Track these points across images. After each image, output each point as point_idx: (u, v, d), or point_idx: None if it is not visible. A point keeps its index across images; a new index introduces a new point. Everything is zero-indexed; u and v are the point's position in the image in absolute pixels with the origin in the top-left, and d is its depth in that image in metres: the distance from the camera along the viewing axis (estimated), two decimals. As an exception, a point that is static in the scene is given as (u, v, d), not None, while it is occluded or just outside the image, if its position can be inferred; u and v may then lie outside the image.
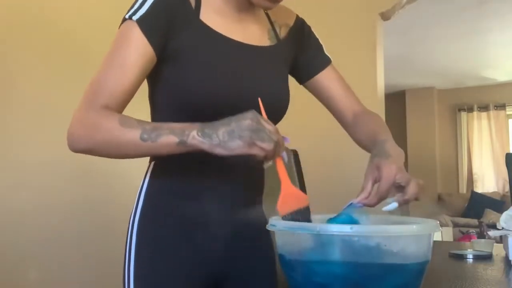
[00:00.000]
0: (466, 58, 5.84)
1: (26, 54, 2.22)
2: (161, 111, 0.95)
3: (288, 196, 0.81)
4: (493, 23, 4.60)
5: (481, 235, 4.15)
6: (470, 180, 7.20)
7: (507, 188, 6.30)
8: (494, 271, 1.28)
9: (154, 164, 0.99)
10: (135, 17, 0.87)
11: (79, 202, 2.35)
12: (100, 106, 0.83)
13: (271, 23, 1.05)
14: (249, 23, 1.00)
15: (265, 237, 1.03)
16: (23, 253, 2.12)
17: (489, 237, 1.85)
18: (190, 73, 0.90)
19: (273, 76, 1.01)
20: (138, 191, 0.99)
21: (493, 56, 5.75)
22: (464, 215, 6.43)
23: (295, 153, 1.69)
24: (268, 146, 0.75)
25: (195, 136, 0.77)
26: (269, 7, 0.95)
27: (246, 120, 0.76)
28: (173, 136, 0.78)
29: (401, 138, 7.29)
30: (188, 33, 0.91)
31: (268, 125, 0.76)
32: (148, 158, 1.02)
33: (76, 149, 0.85)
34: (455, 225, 6.18)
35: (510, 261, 1.35)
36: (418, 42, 5.22)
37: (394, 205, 0.83)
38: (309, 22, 1.13)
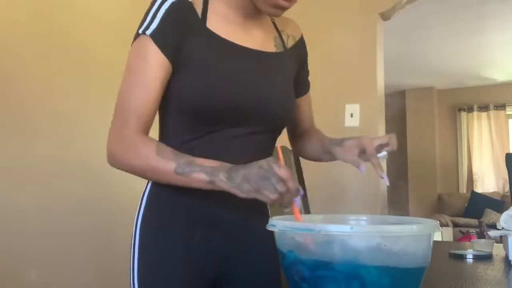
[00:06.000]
0: (466, 58, 5.84)
1: (27, 53, 2.22)
2: (171, 114, 0.96)
3: None
4: (493, 23, 4.60)
5: (481, 235, 4.14)
6: (470, 180, 7.19)
7: (507, 188, 6.30)
8: (494, 271, 1.27)
9: None
10: (148, 32, 0.90)
11: (80, 202, 2.35)
12: (135, 126, 0.89)
13: (279, 31, 1.08)
14: (254, 29, 1.01)
15: (269, 239, 1.03)
16: (24, 253, 2.12)
17: (489, 237, 1.84)
18: (198, 79, 0.91)
19: (278, 81, 1.02)
20: (143, 192, 1.00)
21: (493, 56, 5.75)
22: (464, 215, 6.43)
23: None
24: (272, 195, 0.77)
25: (222, 178, 0.82)
26: (276, 14, 0.97)
27: (258, 167, 0.79)
28: (204, 175, 0.84)
29: (401, 138, 7.29)
30: (196, 42, 0.92)
31: (281, 173, 0.77)
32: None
33: (115, 167, 0.91)
34: (455, 225, 6.18)
35: (510, 261, 1.35)
36: (418, 42, 5.22)
37: (384, 153, 0.99)
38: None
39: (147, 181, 1.00)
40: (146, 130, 0.91)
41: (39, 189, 2.21)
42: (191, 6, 0.93)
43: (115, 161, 0.90)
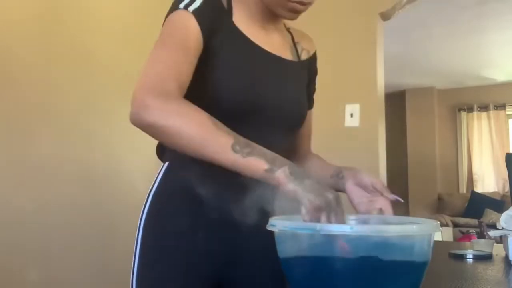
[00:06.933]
0: (466, 58, 5.84)
1: (28, 54, 2.22)
2: None
3: None
4: (493, 23, 4.60)
5: (481, 235, 4.14)
6: (470, 180, 7.19)
7: (507, 188, 6.29)
8: (494, 271, 1.27)
9: (168, 164, 1.00)
10: (190, 8, 0.88)
11: (81, 202, 2.34)
12: (177, 85, 0.81)
13: (294, 42, 1.09)
14: (273, 34, 1.03)
15: (272, 242, 1.03)
16: (24, 253, 2.12)
17: (489, 237, 1.84)
18: (222, 75, 0.91)
19: (296, 88, 1.04)
20: (148, 192, 1.00)
21: (493, 56, 5.75)
22: (464, 215, 6.43)
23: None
24: (306, 216, 0.72)
25: (286, 170, 0.74)
26: (292, 17, 0.98)
27: (333, 193, 0.73)
28: (264, 161, 0.75)
29: (401, 138, 7.29)
30: (224, 35, 0.93)
31: (340, 210, 0.73)
32: (156, 156, 1.03)
33: (144, 123, 0.78)
34: (455, 225, 6.18)
35: (510, 261, 1.34)
36: (418, 42, 5.22)
37: None
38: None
39: (155, 177, 1.00)
40: (182, 97, 0.83)
41: (39, 189, 2.21)
42: (220, 0, 0.95)
43: (153, 115, 0.76)
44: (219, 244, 0.96)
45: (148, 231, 0.96)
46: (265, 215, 1.05)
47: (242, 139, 0.77)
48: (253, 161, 0.75)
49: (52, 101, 2.30)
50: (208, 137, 0.76)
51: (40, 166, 2.22)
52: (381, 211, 0.94)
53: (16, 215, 2.10)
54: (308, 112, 1.15)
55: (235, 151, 0.75)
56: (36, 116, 2.24)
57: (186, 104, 0.79)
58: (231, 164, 0.77)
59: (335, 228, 0.70)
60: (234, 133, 0.78)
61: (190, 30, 0.87)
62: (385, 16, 2.66)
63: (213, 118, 0.78)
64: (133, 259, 0.96)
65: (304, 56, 1.10)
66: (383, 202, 0.95)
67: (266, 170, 0.74)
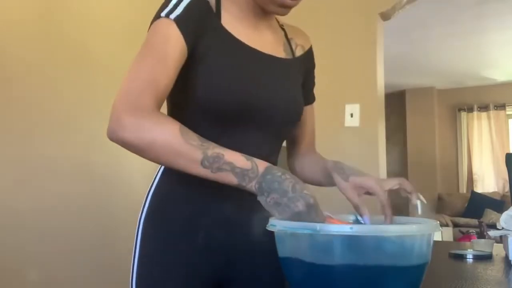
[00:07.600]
0: (466, 58, 5.84)
1: (27, 54, 2.22)
2: (179, 110, 0.95)
3: None
4: (493, 23, 4.60)
5: (481, 235, 4.14)
6: (470, 180, 7.19)
7: (507, 188, 6.29)
8: (494, 271, 1.27)
9: None
10: (172, 16, 0.88)
11: (81, 202, 2.35)
12: (152, 99, 0.82)
13: (288, 39, 1.08)
14: (265, 32, 1.02)
15: (272, 242, 1.03)
16: (24, 253, 2.12)
17: (489, 237, 1.84)
18: (211, 77, 0.91)
19: (290, 86, 1.03)
20: (147, 192, 1.00)
21: (493, 56, 5.75)
22: (464, 215, 6.43)
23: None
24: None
25: (253, 186, 0.78)
26: (283, 13, 0.97)
27: (298, 206, 0.75)
28: (233, 177, 0.79)
29: (401, 138, 7.29)
30: (211, 38, 0.92)
31: (317, 219, 0.75)
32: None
33: (122, 139, 0.80)
34: (455, 225, 6.18)
35: (510, 261, 1.34)
36: (418, 42, 5.22)
37: (419, 204, 0.97)
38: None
39: (154, 177, 1.00)
40: (159, 109, 0.84)
41: (39, 189, 2.21)
42: (208, 3, 0.94)
43: (126, 132, 0.79)
44: (219, 244, 0.96)
45: (147, 231, 0.96)
46: (265, 215, 1.05)
47: (211, 152, 0.79)
48: (223, 177, 0.79)
49: (52, 101, 2.30)
50: (179, 152, 0.79)
51: (40, 166, 2.22)
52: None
53: (16, 215, 2.10)
54: (309, 107, 1.15)
55: (204, 166, 0.78)
56: (36, 116, 2.24)
57: (160, 119, 0.81)
58: (200, 175, 0.80)
59: (335, 228, 0.70)
60: (205, 145, 0.79)
61: (171, 39, 0.87)
62: (385, 16, 2.66)
63: (185, 130, 0.80)
64: (132, 259, 0.96)
65: (298, 52, 1.09)
66: (376, 187, 0.95)
67: (236, 185, 0.79)
